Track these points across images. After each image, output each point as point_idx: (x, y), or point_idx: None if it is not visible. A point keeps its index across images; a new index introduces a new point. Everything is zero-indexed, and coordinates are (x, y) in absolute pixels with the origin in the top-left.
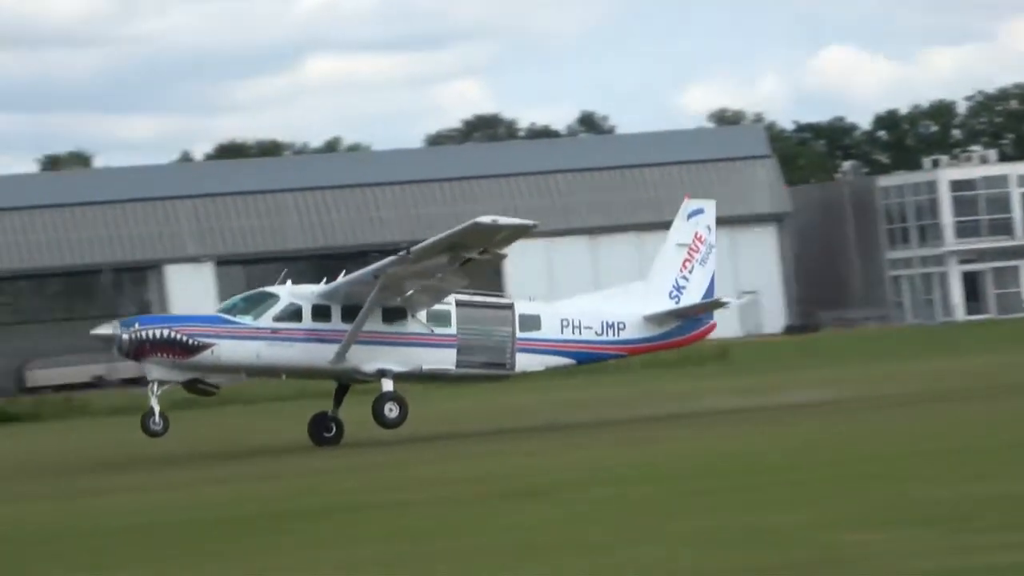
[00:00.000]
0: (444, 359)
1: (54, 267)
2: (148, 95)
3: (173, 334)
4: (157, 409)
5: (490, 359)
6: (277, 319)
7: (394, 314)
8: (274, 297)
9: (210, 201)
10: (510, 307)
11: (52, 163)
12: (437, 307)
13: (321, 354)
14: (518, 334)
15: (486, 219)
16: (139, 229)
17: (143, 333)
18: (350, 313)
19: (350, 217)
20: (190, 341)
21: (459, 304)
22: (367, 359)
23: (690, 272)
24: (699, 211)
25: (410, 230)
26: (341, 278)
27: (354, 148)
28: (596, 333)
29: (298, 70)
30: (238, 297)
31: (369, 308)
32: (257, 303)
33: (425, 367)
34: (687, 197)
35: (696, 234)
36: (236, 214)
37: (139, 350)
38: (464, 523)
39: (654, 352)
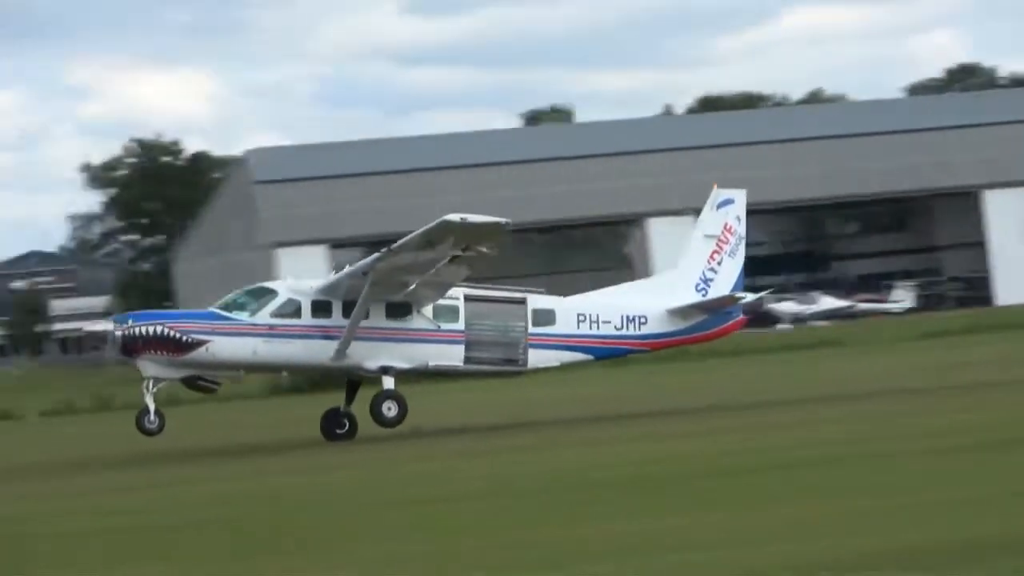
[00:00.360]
0: (451, 355)
1: (543, 220)
2: (627, 49)
3: (166, 331)
4: (152, 407)
5: (500, 355)
6: (275, 315)
7: (398, 309)
8: (272, 293)
9: (690, 154)
10: (523, 302)
11: (533, 119)
12: (444, 302)
13: (322, 351)
14: (531, 329)
15: (454, 217)
16: (619, 183)
17: (136, 330)
18: (351, 308)
19: (824, 169)
20: (184, 338)
21: (468, 299)
22: (370, 355)
23: (719, 264)
24: (729, 201)
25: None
26: (340, 272)
27: (834, 99)
28: (615, 327)
29: (775, 22)
30: (238, 292)
31: (363, 304)
32: (255, 299)
33: (431, 363)
34: (715, 186)
35: (725, 224)
36: (710, 167)
37: (132, 347)
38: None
39: (678, 347)
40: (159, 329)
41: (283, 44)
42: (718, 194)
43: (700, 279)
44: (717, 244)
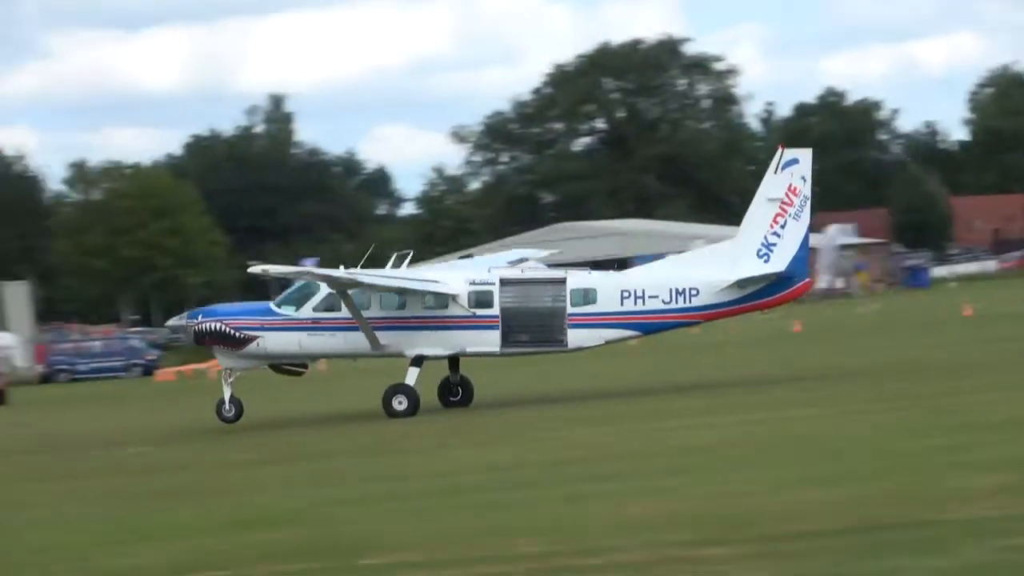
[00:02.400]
0: (488, 340)
1: None
2: None
3: (223, 327)
4: (228, 395)
5: (538, 336)
6: (316, 309)
7: (441, 300)
8: (317, 288)
9: None
10: (562, 282)
11: None
12: (479, 288)
13: (361, 342)
14: (571, 309)
15: (256, 268)
16: None
17: (201, 326)
18: (391, 303)
19: None
20: (237, 334)
21: (503, 283)
22: (408, 344)
23: (782, 227)
24: (793, 161)
25: None
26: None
27: None
28: (663, 302)
29: None
30: (292, 288)
31: (355, 308)
32: (303, 294)
33: (469, 349)
34: (781, 146)
35: (790, 186)
36: None
37: (201, 341)
38: None
39: (737, 315)
40: (218, 326)
41: None
42: (782, 154)
43: (763, 244)
44: (781, 207)
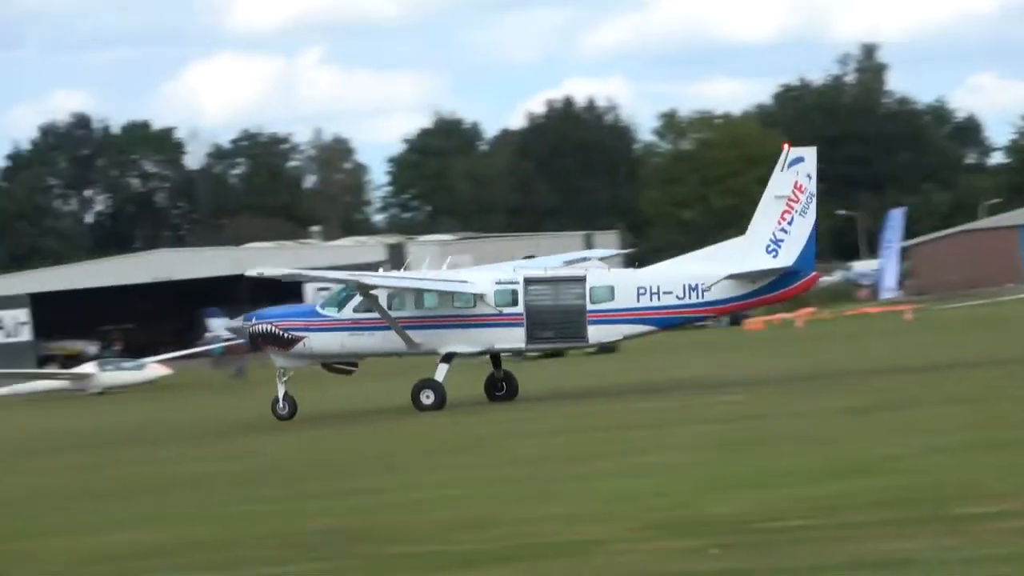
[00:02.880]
0: (514, 337)
1: None
2: None
3: (273, 329)
4: (282, 394)
5: (561, 333)
6: (356, 311)
7: (468, 299)
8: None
9: None
10: (582, 280)
11: None
12: (504, 287)
13: (396, 341)
14: (590, 306)
15: (251, 272)
16: None
17: (255, 328)
18: (428, 303)
19: None
20: (285, 335)
21: (528, 281)
22: (440, 342)
23: (789, 223)
24: (799, 159)
25: None
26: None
27: None
28: (677, 297)
29: None
30: (335, 290)
31: (379, 306)
32: (344, 296)
33: (497, 345)
34: (786, 145)
35: (796, 184)
36: None
37: (256, 343)
38: None
39: (748, 309)
40: (268, 328)
41: None
42: (789, 152)
43: (771, 240)
44: (787, 204)
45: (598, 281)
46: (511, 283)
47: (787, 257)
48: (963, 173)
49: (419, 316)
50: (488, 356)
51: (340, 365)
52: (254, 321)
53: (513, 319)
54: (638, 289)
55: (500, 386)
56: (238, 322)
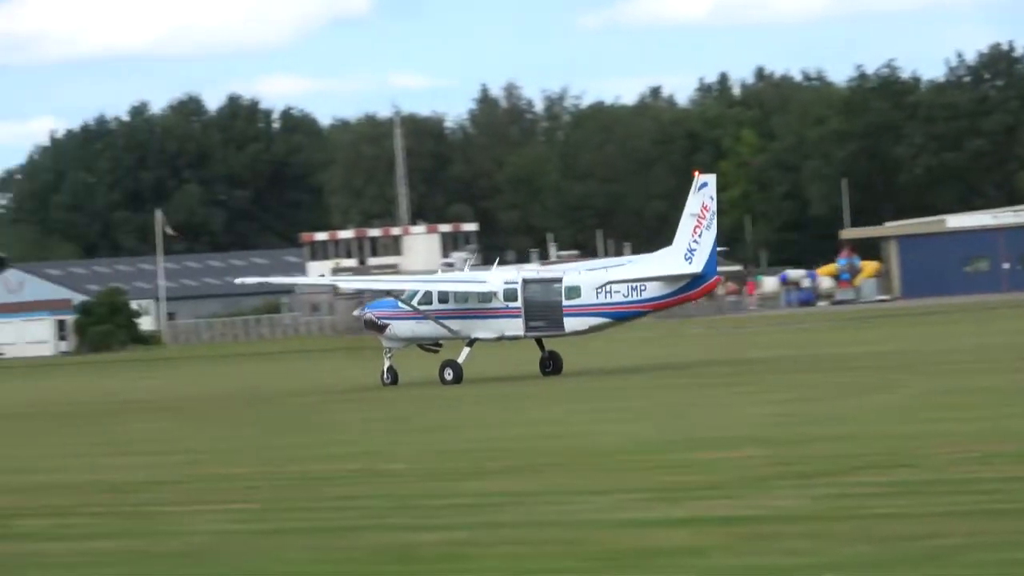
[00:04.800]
0: (517, 326)
1: None
2: None
3: (372, 317)
4: (386, 367)
5: (547, 323)
6: (419, 303)
7: (485, 296)
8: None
9: None
10: (560, 280)
11: None
12: (510, 286)
13: (443, 328)
14: (565, 302)
15: (237, 281)
16: None
17: (364, 317)
18: (444, 300)
19: None
20: (379, 322)
21: (525, 281)
22: (470, 329)
23: (699, 237)
24: (705, 184)
25: None
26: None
27: None
28: (623, 295)
29: None
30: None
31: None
32: (412, 293)
33: (507, 333)
34: (696, 173)
35: (703, 204)
36: None
37: (368, 327)
38: None
39: (674, 305)
40: (371, 316)
41: None
42: (698, 179)
43: (688, 250)
44: (698, 221)
45: (570, 281)
46: (514, 282)
47: (698, 264)
48: None
49: (455, 308)
50: (535, 341)
51: (428, 346)
52: (365, 311)
53: (515, 312)
54: (596, 288)
55: (548, 364)
56: (358, 311)
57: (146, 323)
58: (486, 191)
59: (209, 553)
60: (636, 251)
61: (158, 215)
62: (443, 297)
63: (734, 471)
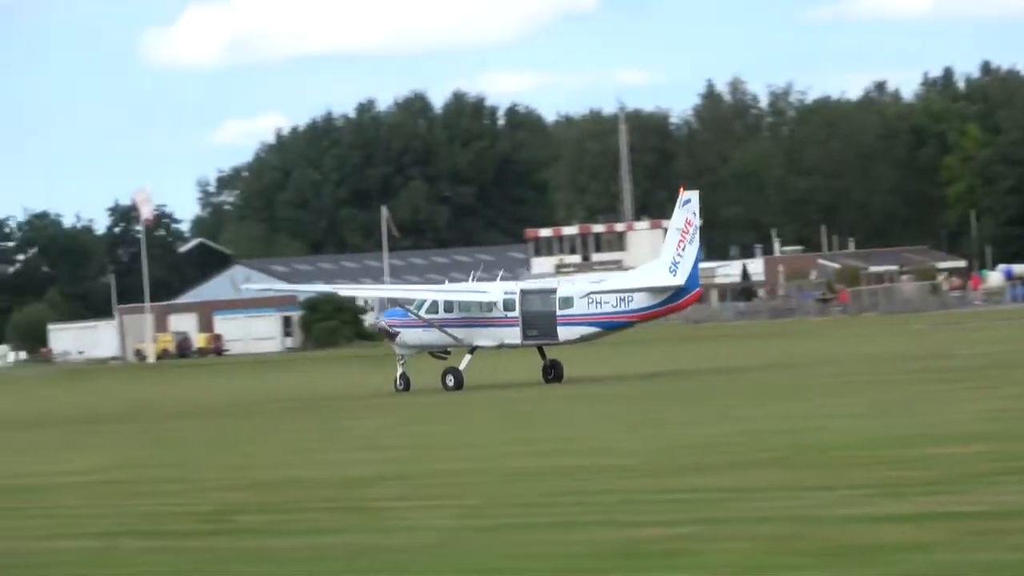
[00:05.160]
0: (515, 335)
1: None
2: None
3: (384, 325)
4: (399, 373)
5: (542, 332)
6: (427, 312)
7: (485, 306)
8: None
9: None
10: (553, 291)
11: None
12: (509, 297)
13: (449, 336)
14: (558, 312)
15: (242, 286)
16: None
17: (377, 325)
18: (464, 308)
19: None
20: (391, 330)
21: (522, 292)
22: (475, 337)
23: (683, 250)
24: (688, 200)
25: None
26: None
27: None
28: (612, 306)
29: None
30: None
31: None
32: (420, 303)
33: (506, 341)
34: (680, 189)
35: (686, 219)
36: None
37: (382, 335)
38: None
39: (659, 316)
40: (384, 324)
41: None
42: (682, 195)
43: (672, 263)
44: (681, 235)
45: (563, 292)
46: (513, 293)
47: (682, 276)
48: None
49: (459, 317)
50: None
51: (437, 353)
52: (380, 319)
53: (513, 321)
54: (588, 299)
55: (550, 371)
56: (378, 319)
57: (371, 319)
58: (710, 187)
59: (433, 549)
60: (859, 247)
61: (383, 212)
62: (448, 306)
63: (959, 467)
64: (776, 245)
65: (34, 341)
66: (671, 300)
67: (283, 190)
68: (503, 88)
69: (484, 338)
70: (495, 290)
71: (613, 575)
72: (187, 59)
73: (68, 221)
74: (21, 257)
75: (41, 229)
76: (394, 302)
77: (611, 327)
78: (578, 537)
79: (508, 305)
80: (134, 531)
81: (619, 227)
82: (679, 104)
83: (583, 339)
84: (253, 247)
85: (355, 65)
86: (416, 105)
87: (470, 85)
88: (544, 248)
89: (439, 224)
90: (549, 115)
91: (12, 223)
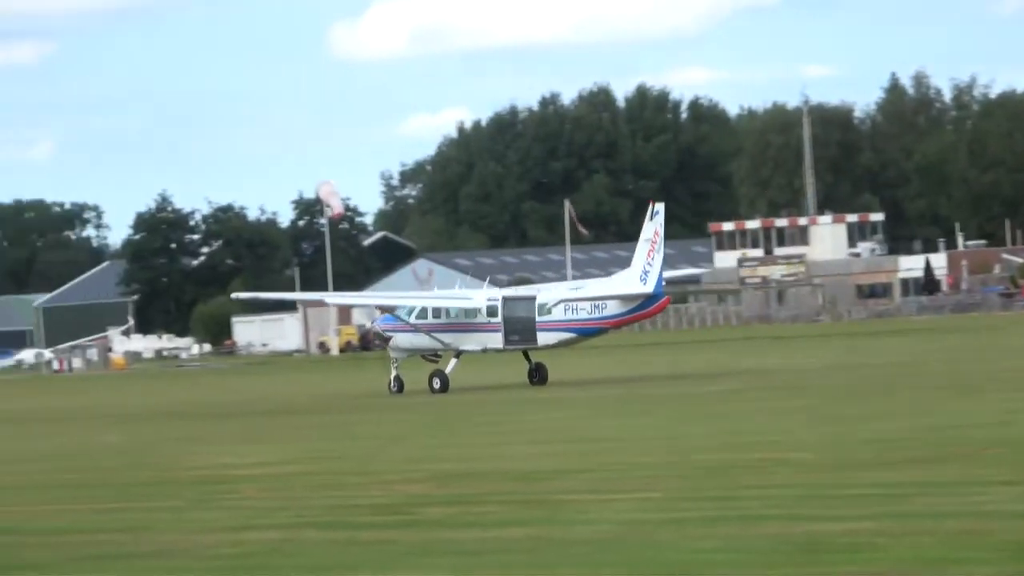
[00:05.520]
0: (497, 340)
1: None
2: None
3: (380, 329)
4: (393, 376)
5: (523, 337)
6: (416, 318)
7: (470, 312)
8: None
9: None
10: (533, 298)
11: None
12: (492, 303)
13: (435, 341)
14: (538, 318)
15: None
16: None
17: (373, 329)
18: (437, 315)
19: None
20: (384, 333)
21: (504, 299)
22: (461, 342)
23: (652, 260)
24: (657, 212)
25: None
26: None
27: None
28: (587, 312)
29: None
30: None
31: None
32: (410, 309)
33: (489, 346)
34: (651, 203)
35: (655, 231)
36: None
37: (379, 339)
38: None
39: (632, 323)
40: (378, 328)
41: None
42: (652, 208)
43: (642, 272)
44: (651, 245)
45: (542, 299)
46: (495, 300)
47: (651, 285)
48: None
49: (446, 323)
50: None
51: (428, 356)
52: (376, 324)
53: (496, 327)
54: (564, 306)
55: (535, 375)
56: (371, 324)
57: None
58: (894, 180)
59: (615, 541)
60: None
61: (567, 205)
62: (436, 312)
63: None
64: (960, 239)
65: (218, 333)
66: (640, 308)
67: (466, 183)
68: (686, 81)
69: (469, 342)
70: (479, 297)
71: (798, 569)
72: (372, 53)
73: (252, 214)
74: (205, 250)
75: (226, 222)
76: (383, 309)
77: (586, 333)
78: (760, 531)
79: (491, 311)
80: (317, 523)
81: (802, 221)
82: (863, 98)
83: (560, 344)
84: (436, 241)
85: (539, 59)
86: (599, 99)
87: (654, 79)
88: (727, 242)
89: (622, 217)
90: (732, 108)
91: (197, 216)
